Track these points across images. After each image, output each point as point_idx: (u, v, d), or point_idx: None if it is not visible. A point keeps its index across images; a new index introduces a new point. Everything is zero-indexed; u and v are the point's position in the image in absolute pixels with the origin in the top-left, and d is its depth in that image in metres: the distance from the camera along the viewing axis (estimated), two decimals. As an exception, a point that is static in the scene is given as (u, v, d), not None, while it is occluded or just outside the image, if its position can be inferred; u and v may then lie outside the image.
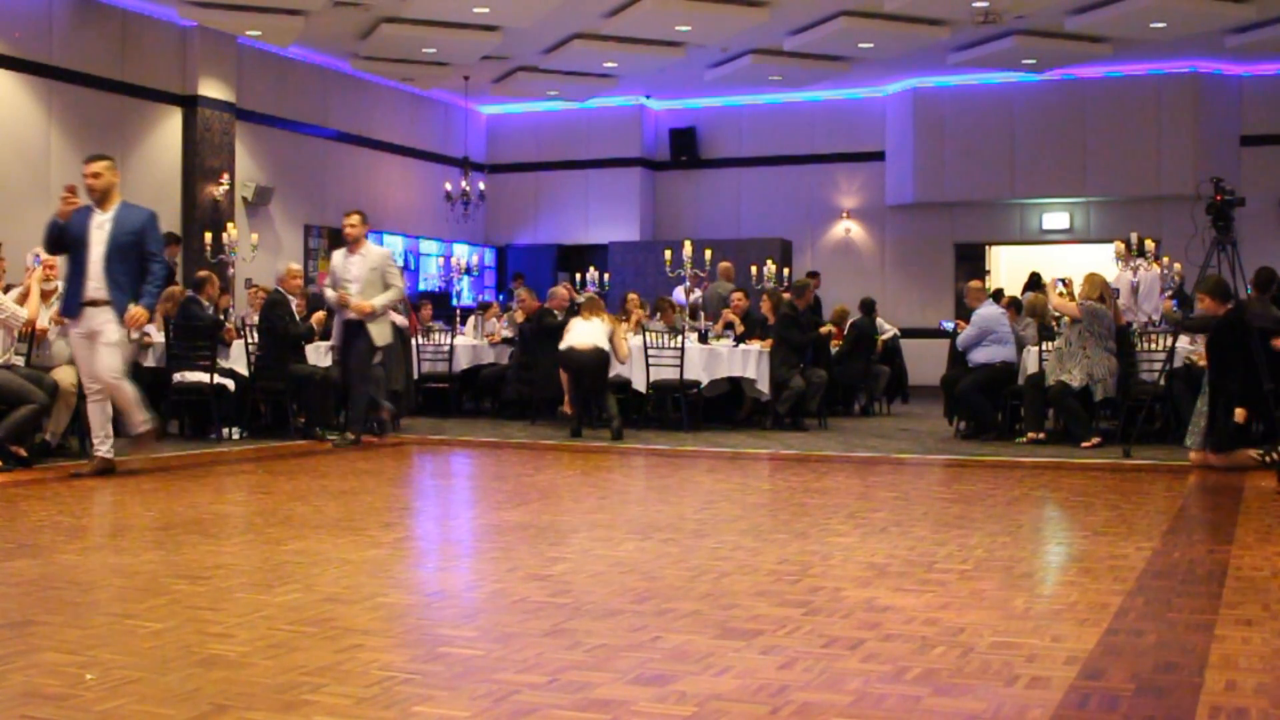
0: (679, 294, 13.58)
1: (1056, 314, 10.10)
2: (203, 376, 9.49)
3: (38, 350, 8.02)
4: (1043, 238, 18.00)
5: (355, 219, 9.38)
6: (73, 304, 7.10)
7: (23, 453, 7.51)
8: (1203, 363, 8.17)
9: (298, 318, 9.94)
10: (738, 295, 12.22)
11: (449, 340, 12.17)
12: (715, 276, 14.31)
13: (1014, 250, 18.33)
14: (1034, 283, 14.47)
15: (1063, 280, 12.44)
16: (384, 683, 3.00)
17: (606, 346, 10.21)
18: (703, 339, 11.31)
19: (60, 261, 7.74)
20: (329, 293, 9.38)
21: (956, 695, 2.94)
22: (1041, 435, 9.65)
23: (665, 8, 13.74)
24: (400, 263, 17.31)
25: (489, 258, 19.91)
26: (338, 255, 9.50)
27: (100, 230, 7.09)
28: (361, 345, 9.19)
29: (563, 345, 10.21)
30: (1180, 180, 16.06)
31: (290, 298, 9.93)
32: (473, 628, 3.63)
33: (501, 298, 17.03)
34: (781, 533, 5.43)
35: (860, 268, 18.55)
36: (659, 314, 12.14)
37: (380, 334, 9.25)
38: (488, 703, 2.84)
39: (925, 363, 15.12)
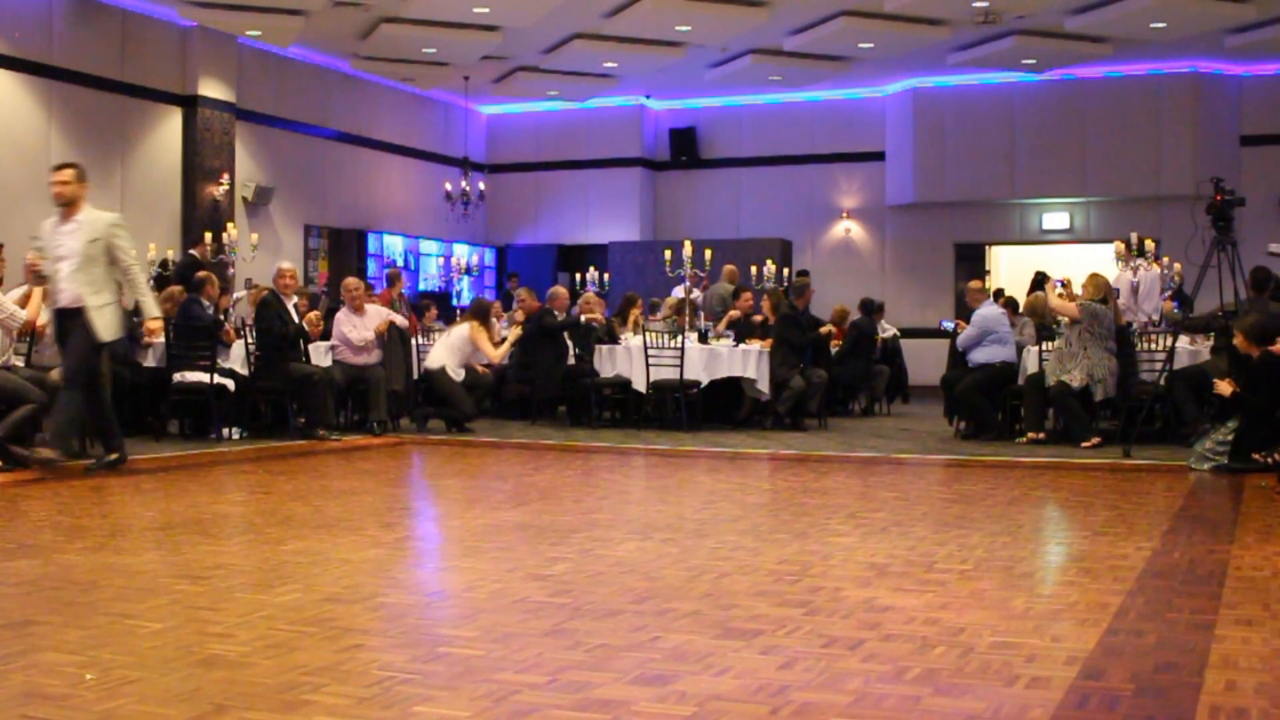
0: (678, 294, 13.58)
1: (1057, 316, 10.09)
2: (203, 376, 9.48)
3: (37, 350, 8.01)
4: (1043, 238, 18.00)
5: (67, 174, 7.16)
6: None
7: (23, 452, 7.51)
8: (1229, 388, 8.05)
9: (296, 317, 9.93)
10: (746, 294, 12.30)
11: (449, 340, 12.15)
12: (717, 277, 14.32)
13: (1014, 250, 18.34)
14: (1039, 283, 14.47)
15: (1062, 281, 12.44)
16: (384, 683, 3.00)
17: (439, 361, 10.69)
18: (703, 339, 11.31)
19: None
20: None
21: (956, 695, 2.94)
22: (1041, 435, 9.65)
23: (665, 8, 13.75)
24: (402, 262, 17.34)
25: (489, 258, 19.92)
26: (46, 225, 7.32)
27: None
28: (77, 341, 7.10)
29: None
30: (1180, 180, 16.07)
31: (286, 298, 9.91)
32: (473, 628, 3.63)
33: (496, 297, 16.96)
34: (781, 533, 5.43)
35: (860, 268, 18.56)
36: (675, 315, 12.12)
37: (106, 327, 7.11)
38: (488, 703, 2.84)
39: (925, 363, 15.11)
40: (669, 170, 19.57)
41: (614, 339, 11.54)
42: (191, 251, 11.79)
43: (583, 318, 11.72)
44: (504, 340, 11.30)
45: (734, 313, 12.05)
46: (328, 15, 13.92)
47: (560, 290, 12.15)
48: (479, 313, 11.04)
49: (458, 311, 15.02)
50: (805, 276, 12.74)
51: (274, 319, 9.67)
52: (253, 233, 14.07)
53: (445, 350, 10.78)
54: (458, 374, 10.77)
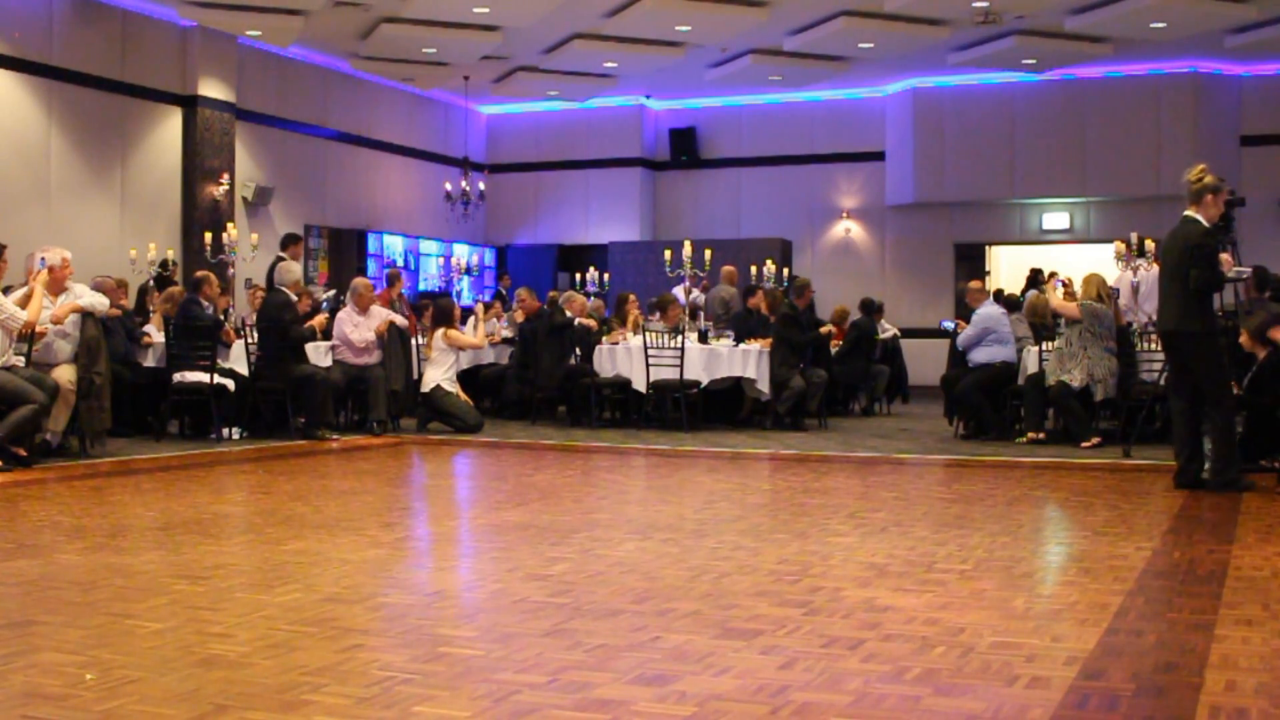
0: (678, 294, 13.58)
1: (1056, 315, 10.09)
2: (203, 376, 9.48)
3: (38, 347, 8.01)
4: (1043, 238, 17.99)
5: None
6: None
7: (23, 453, 7.51)
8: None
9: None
10: (760, 294, 12.31)
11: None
12: (717, 278, 14.31)
13: (1014, 250, 18.33)
14: (1034, 280, 14.47)
15: (1063, 281, 12.43)
16: (384, 683, 3.00)
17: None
18: (703, 339, 11.30)
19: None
20: None
21: (956, 695, 2.94)
22: (1041, 435, 9.65)
23: (665, 8, 13.74)
24: (402, 262, 17.36)
25: (489, 258, 19.91)
26: None
27: None
28: None
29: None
30: (1180, 180, 15.99)
31: (293, 299, 9.96)
32: (473, 628, 3.63)
33: (494, 297, 16.95)
34: (781, 533, 5.43)
35: (860, 268, 18.55)
36: (659, 313, 12.11)
37: None
38: (488, 703, 2.84)
39: (925, 363, 15.11)
40: (669, 170, 19.56)
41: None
42: (281, 255, 11.90)
43: (577, 321, 11.72)
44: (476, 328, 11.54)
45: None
46: (328, 15, 13.92)
47: (575, 294, 12.19)
48: (444, 318, 11.06)
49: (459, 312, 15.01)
50: (805, 280, 12.76)
51: (293, 320, 9.74)
52: (253, 233, 14.06)
53: (433, 370, 10.77)
54: (453, 387, 10.78)
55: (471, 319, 11.96)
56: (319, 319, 10.27)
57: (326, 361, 10.33)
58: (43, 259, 8.11)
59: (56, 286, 8.11)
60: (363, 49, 15.48)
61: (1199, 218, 6.98)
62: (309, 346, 10.15)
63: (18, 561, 4.62)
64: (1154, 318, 10.98)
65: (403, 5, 13.65)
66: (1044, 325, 10.29)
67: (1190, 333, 6.90)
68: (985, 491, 6.96)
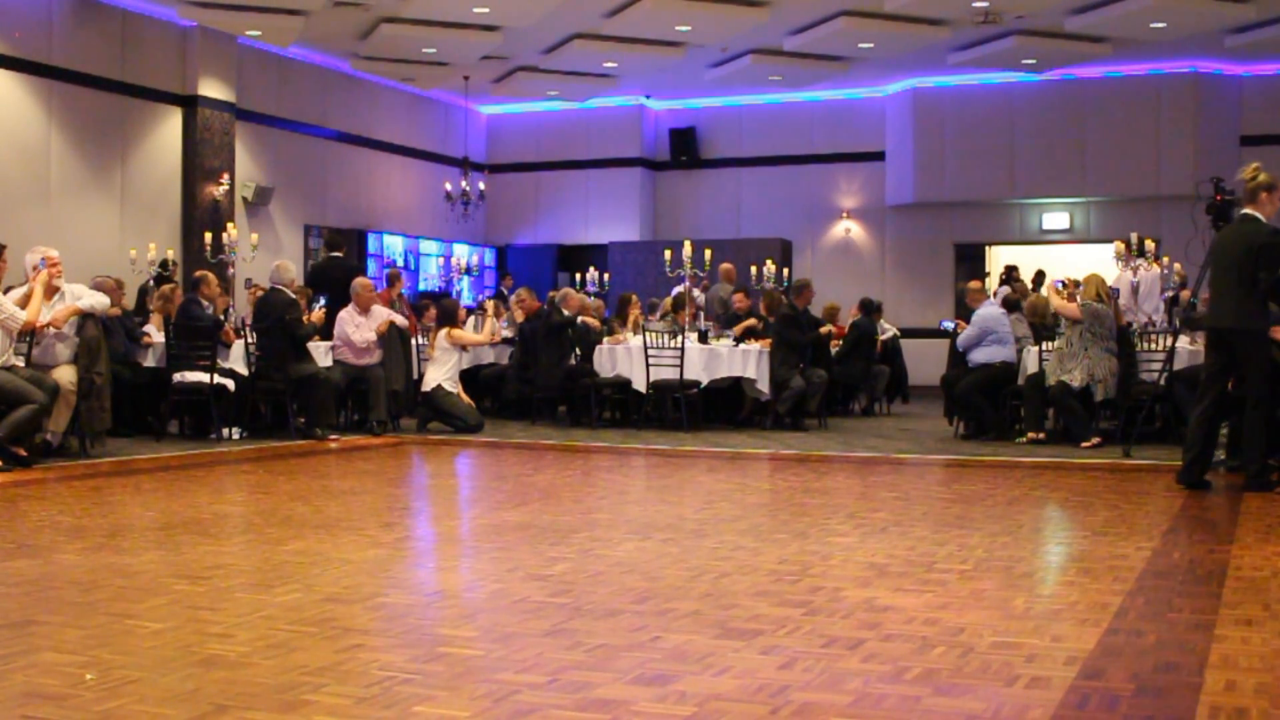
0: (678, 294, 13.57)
1: (1056, 315, 10.09)
2: (203, 376, 9.48)
3: (38, 348, 8.00)
4: (1043, 238, 17.99)
5: None
6: None
7: (23, 453, 7.51)
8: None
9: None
10: (739, 296, 12.27)
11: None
12: (716, 278, 14.32)
13: (1014, 250, 18.32)
14: (1008, 277, 14.51)
15: (1063, 281, 12.42)
16: (384, 683, 3.01)
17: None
18: (703, 339, 11.31)
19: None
20: None
21: (956, 695, 2.94)
22: (1041, 435, 9.65)
23: (665, 8, 13.74)
24: (402, 262, 17.36)
25: (489, 258, 19.91)
26: None
27: None
28: None
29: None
30: (1180, 180, 16.05)
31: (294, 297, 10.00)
32: (473, 628, 3.63)
33: (494, 296, 16.94)
34: (781, 533, 5.43)
35: (860, 268, 18.55)
36: (674, 313, 12.06)
37: None
38: (488, 703, 2.84)
39: (925, 363, 15.11)
40: (669, 170, 19.57)
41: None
42: (335, 254, 11.89)
43: (580, 319, 11.72)
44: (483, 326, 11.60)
45: (752, 322, 11.92)
46: (328, 15, 13.92)
47: (571, 292, 12.18)
48: (448, 318, 11.09)
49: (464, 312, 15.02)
50: (806, 280, 12.77)
51: (300, 319, 9.77)
52: (253, 233, 14.06)
53: (434, 369, 10.78)
54: (454, 387, 10.80)
55: (477, 315, 11.97)
56: (317, 314, 10.28)
57: (327, 361, 10.33)
58: (43, 260, 8.11)
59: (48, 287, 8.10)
60: (363, 49, 15.49)
61: (1258, 215, 7.02)
62: (309, 345, 10.16)
63: (18, 561, 4.62)
64: (1154, 318, 11.01)
65: (403, 5, 13.66)
66: (1044, 325, 10.30)
67: (1250, 331, 6.89)
68: (985, 491, 6.96)
